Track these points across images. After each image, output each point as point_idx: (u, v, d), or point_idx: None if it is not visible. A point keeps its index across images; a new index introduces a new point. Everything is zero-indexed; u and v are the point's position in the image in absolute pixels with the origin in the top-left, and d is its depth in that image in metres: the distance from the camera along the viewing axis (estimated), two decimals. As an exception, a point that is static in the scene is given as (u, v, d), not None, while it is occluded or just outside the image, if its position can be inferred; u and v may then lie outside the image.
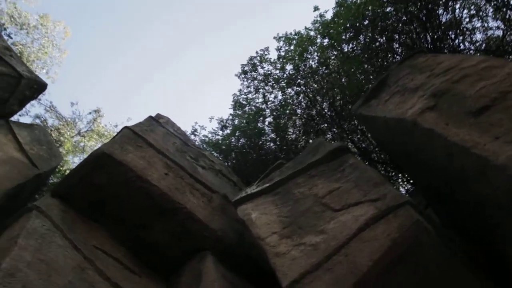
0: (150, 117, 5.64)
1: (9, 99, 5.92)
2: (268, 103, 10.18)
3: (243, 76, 10.25)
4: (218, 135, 10.64)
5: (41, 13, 20.86)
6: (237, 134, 9.91)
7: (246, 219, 3.68)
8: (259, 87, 10.13)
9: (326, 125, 9.78)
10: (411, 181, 8.66)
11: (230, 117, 10.61)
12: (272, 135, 9.89)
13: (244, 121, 9.85)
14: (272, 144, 10.04)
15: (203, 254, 4.11)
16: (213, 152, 9.52)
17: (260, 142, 9.72)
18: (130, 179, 4.02)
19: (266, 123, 10.13)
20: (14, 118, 6.33)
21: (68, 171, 8.86)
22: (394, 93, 4.20)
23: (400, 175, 9.44)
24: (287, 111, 9.68)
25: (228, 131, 10.45)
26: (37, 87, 6.33)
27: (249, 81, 10.33)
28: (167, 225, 4.14)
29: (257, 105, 10.31)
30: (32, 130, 6.06)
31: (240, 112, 10.50)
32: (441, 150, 3.01)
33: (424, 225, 2.75)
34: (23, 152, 5.40)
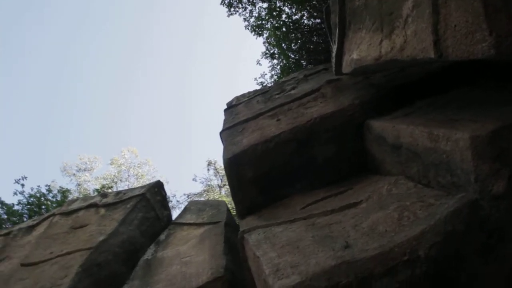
0: (225, 110, 5.83)
1: (157, 214, 6.69)
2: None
3: (232, 9, 9.80)
4: (276, 65, 10.44)
5: (108, 160, 23.45)
6: (284, 47, 9.53)
7: (355, 63, 3.48)
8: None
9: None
10: None
11: (268, 45, 10.29)
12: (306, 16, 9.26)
13: (273, 31, 9.43)
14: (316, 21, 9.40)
15: (366, 126, 4.03)
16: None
17: (306, 30, 9.18)
18: (265, 150, 4.13)
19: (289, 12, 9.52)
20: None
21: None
22: None
23: None
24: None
25: (277, 55, 10.15)
26: (157, 189, 7.07)
27: (239, 4, 9.77)
28: (321, 143, 4.15)
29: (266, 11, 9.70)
30: (189, 209, 6.77)
31: (266, 34, 10.08)
32: None
33: None
34: (202, 225, 6.02)
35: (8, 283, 5.13)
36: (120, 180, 22.20)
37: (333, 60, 4.20)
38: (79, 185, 21.49)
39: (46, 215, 7.41)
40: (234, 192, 4.28)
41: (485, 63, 3.43)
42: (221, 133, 5.01)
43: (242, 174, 4.15)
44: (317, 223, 3.36)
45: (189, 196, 22.61)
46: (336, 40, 3.94)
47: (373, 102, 4.10)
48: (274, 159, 4.12)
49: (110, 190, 12.25)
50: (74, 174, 22.30)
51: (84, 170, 22.71)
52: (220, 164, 23.48)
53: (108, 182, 20.97)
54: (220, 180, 24.26)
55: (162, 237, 6.13)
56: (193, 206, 6.87)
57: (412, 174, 3.37)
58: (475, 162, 2.53)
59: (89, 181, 22.13)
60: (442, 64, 3.87)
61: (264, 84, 10.55)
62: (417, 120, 3.33)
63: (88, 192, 20.09)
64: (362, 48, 3.34)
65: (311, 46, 9.24)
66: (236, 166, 4.15)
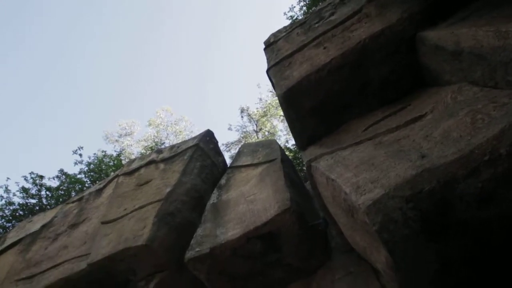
0: (264, 49, 5.75)
1: (213, 161, 6.96)
2: None
3: None
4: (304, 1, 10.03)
5: (146, 122, 24.11)
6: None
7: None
8: None
9: None
10: None
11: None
12: None
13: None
14: None
15: (419, 39, 3.91)
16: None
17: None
18: (319, 78, 4.19)
19: None
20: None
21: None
22: None
23: None
24: None
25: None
26: (209, 137, 7.29)
27: None
28: (375, 63, 4.09)
29: None
30: (243, 152, 6.96)
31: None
32: None
33: None
34: (259, 165, 6.22)
35: (96, 239, 5.64)
36: (160, 140, 22.84)
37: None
38: (123, 150, 22.34)
39: (110, 178, 7.88)
40: (293, 125, 4.37)
41: None
42: (268, 71, 5.00)
43: (299, 106, 4.21)
44: (384, 141, 3.41)
45: (227, 146, 23.03)
46: (379, -49, 3.75)
47: (424, 13, 3.95)
48: (329, 87, 4.13)
49: (163, 146, 12.71)
50: (116, 140, 23.14)
51: (125, 135, 23.51)
52: (253, 109, 23.59)
53: (149, 144, 21.62)
54: (255, 125, 24.42)
55: (223, 181, 6.41)
56: (245, 149, 7.06)
57: (476, 79, 3.30)
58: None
59: (131, 145, 22.95)
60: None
61: (295, 18, 10.24)
62: (479, 21, 3.20)
63: (133, 155, 20.92)
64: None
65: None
66: (292, 99, 4.21)
